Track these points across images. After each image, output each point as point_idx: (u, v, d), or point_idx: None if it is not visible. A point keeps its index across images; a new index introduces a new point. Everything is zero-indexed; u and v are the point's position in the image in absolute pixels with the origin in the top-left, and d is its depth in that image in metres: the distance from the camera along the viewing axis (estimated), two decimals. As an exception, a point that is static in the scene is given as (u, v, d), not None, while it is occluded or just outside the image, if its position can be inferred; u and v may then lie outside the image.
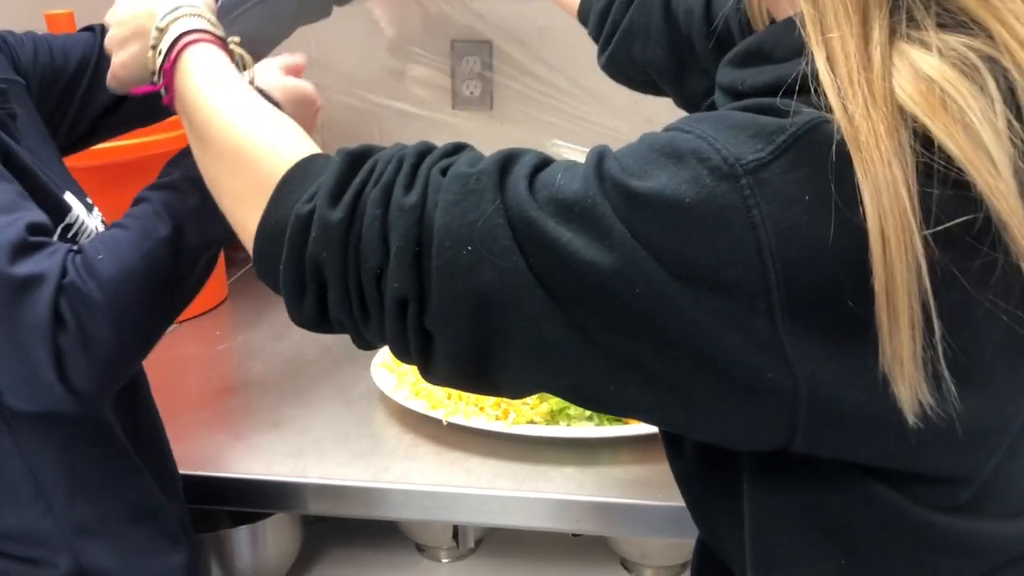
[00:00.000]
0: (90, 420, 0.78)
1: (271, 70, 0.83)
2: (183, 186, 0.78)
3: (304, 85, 0.84)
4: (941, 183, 0.45)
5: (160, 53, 0.71)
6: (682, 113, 0.83)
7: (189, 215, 0.76)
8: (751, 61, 0.55)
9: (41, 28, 1.23)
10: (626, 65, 0.96)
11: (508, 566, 1.32)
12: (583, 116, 1.65)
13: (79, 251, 0.70)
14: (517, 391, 0.58)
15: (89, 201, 0.87)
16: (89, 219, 0.84)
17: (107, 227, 0.76)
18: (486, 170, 0.54)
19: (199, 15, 0.72)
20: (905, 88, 0.45)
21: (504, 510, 0.98)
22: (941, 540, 0.55)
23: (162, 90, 0.72)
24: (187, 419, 1.09)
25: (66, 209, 0.81)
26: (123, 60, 0.79)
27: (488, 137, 1.69)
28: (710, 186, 0.47)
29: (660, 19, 0.90)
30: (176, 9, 0.72)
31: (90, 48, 0.96)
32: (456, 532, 1.29)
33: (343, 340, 1.41)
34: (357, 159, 0.58)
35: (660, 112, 1.61)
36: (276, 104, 0.73)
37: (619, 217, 0.49)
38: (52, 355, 0.66)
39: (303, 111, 0.82)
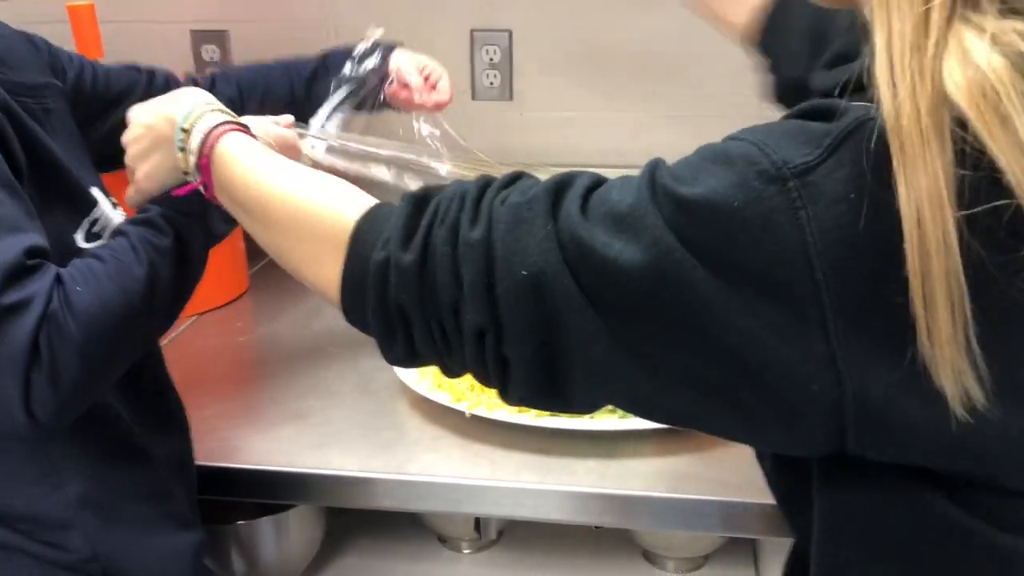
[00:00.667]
0: (94, 404, 0.79)
1: (263, 121, 0.86)
2: (160, 223, 0.79)
3: (290, 134, 0.89)
4: (973, 167, 0.45)
5: (191, 152, 0.75)
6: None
7: (164, 253, 0.78)
8: (838, 62, 0.55)
9: (64, 20, 1.24)
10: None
11: (530, 557, 1.32)
12: (603, 107, 1.65)
13: (60, 280, 0.70)
14: (586, 407, 0.59)
15: (113, 200, 0.88)
16: (114, 214, 0.85)
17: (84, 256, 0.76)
18: (537, 196, 0.55)
19: (217, 109, 0.77)
20: (952, 73, 0.45)
21: (527, 503, 0.98)
22: (1007, 563, 0.54)
23: (201, 187, 0.76)
24: (210, 411, 1.10)
25: (92, 203, 0.83)
26: (147, 172, 0.82)
27: (507, 128, 1.68)
28: (757, 189, 0.48)
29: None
30: (194, 109, 0.76)
31: (133, 83, 1.02)
32: (478, 523, 1.29)
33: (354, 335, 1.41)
34: (421, 201, 0.60)
35: (680, 101, 1.61)
36: None
37: (669, 226, 0.49)
38: (22, 388, 0.67)
39: (290, 156, 0.85)
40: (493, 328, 0.55)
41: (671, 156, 1.75)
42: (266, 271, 1.57)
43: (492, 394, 1.04)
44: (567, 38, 1.62)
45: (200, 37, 1.70)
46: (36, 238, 0.70)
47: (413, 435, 1.05)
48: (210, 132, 0.74)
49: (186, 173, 0.78)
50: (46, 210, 0.75)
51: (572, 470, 0.99)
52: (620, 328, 0.51)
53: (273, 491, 1.03)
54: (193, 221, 0.82)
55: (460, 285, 0.55)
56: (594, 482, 0.97)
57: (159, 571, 0.85)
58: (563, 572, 1.30)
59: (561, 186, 0.55)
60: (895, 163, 0.45)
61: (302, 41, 1.67)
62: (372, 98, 1.18)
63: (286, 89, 1.15)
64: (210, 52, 1.70)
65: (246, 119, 0.81)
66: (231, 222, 0.82)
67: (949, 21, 0.45)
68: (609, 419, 1.02)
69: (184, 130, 0.76)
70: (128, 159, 0.83)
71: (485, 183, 0.59)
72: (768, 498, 0.93)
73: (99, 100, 0.97)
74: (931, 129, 0.44)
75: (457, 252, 0.56)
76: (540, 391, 0.57)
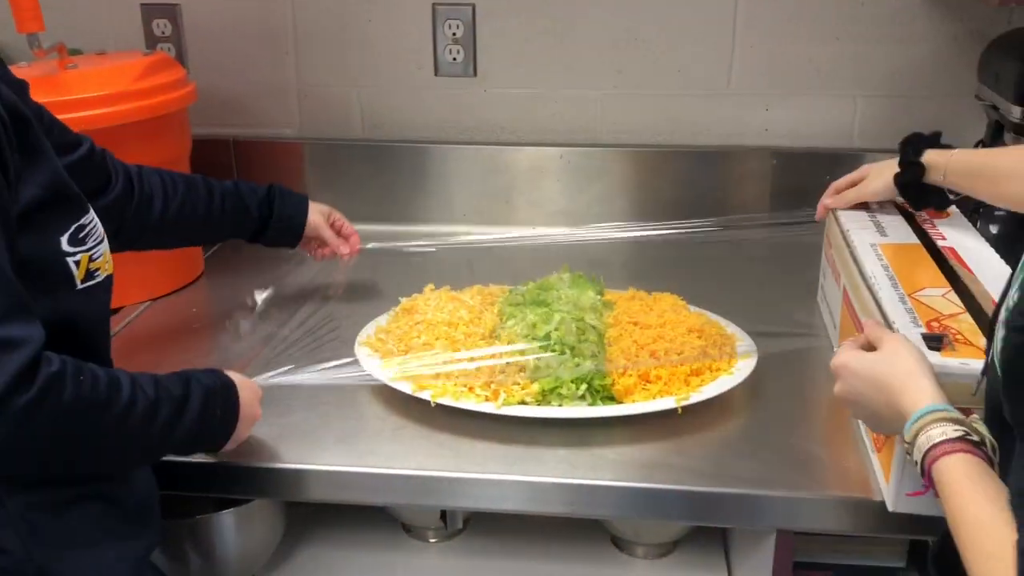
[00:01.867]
0: None
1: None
2: (179, 402, 0.84)
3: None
4: None
5: (914, 456, 0.74)
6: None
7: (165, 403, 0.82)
8: None
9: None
10: None
11: (497, 546, 1.30)
12: (569, 83, 1.61)
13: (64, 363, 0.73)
14: None
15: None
16: (99, 224, 0.86)
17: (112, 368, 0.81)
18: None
19: (947, 418, 0.73)
20: None
21: (495, 494, 0.95)
22: None
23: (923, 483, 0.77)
24: (164, 402, 1.05)
25: (87, 209, 0.84)
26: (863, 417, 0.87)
27: (470, 105, 1.64)
28: None
29: None
30: (922, 416, 0.74)
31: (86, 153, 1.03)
32: (444, 513, 1.26)
33: (323, 318, 1.37)
34: None
35: (648, 79, 1.58)
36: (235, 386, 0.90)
37: None
38: None
39: (250, 397, 0.93)
40: None
41: (639, 134, 1.72)
42: (220, 255, 1.52)
43: (458, 382, 1.02)
44: (532, 13, 1.58)
45: (150, 11, 1.64)
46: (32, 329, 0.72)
47: (375, 425, 1.02)
48: (929, 451, 0.72)
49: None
50: (37, 206, 0.76)
51: (542, 459, 0.96)
52: None
53: (232, 485, 0.99)
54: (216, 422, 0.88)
55: None
56: (564, 472, 0.95)
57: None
58: (531, 560, 1.28)
59: None
60: None
61: (256, 16, 1.62)
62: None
63: (204, 207, 1.20)
64: (161, 27, 1.64)
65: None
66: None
67: None
68: (579, 407, 0.99)
69: (907, 441, 0.75)
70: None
71: None
72: (738, 487, 0.92)
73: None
74: None
75: None
76: None
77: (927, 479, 0.73)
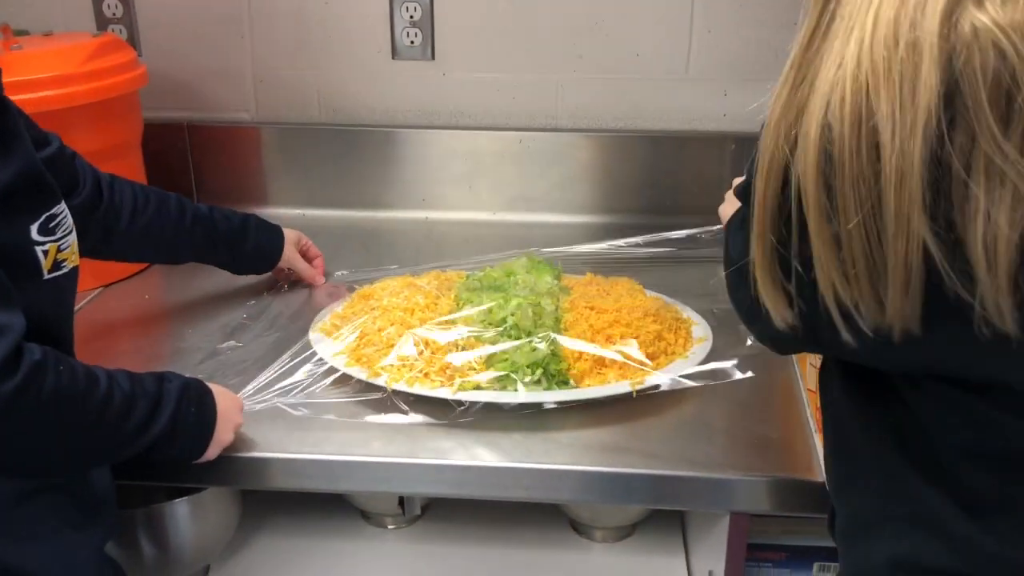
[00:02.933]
0: None
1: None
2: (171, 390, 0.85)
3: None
4: None
5: None
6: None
7: (153, 429, 0.82)
8: None
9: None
10: None
11: (456, 531, 1.30)
12: (528, 67, 1.60)
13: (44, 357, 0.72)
14: None
15: None
16: (69, 215, 0.84)
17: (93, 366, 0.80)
18: None
19: None
20: None
21: (451, 479, 0.95)
22: None
23: None
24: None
25: (59, 199, 0.82)
26: None
27: (428, 89, 1.63)
28: None
29: None
30: None
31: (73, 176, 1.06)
32: (402, 499, 1.26)
33: (280, 305, 1.35)
34: None
35: (608, 63, 1.57)
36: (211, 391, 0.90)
37: None
38: None
39: (229, 404, 0.93)
40: None
41: (599, 119, 1.72)
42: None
43: (413, 368, 1.02)
44: (491, -5, 1.57)
45: (100, -10, 1.60)
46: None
47: (330, 412, 1.01)
48: None
49: None
50: (10, 192, 0.75)
51: (498, 444, 0.96)
52: None
53: (184, 474, 0.97)
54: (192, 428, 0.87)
55: None
56: (520, 456, 0.94)
57: (55, 568, 0.80)
58: (490, 544, 1.28)
59: None
60: None
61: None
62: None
63: (173, 227, 1.19)
64: (112, 8, 1.60)
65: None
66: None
67: None
68: (535, 392, 0.99)
69: None
70: None
71: None
72: (693, 469, 0.93)
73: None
74: None
75: None
76: None
77: None
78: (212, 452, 0.90)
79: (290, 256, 1.31)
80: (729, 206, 0.90)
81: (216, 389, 0.92)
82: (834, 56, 0.57)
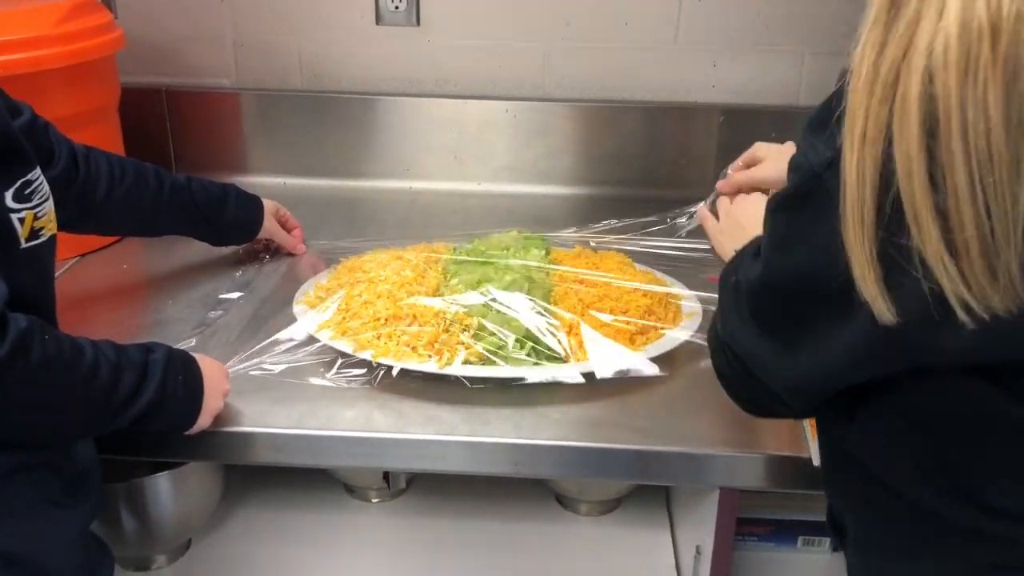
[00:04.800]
0: None
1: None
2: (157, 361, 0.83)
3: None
4: None
5: None
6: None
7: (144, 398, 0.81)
8: None
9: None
10: None
11: (441, 505, 1.29)
12: (515, 35, 1.57)
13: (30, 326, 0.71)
14: None
15: None
16: (45, 181, 0.82)
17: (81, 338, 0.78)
18: None
19: None
20: None
21: (438, 455, 0.93)
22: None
23: None
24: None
25: (34, 164, 0.80)
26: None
27: (413, 56, 1.59)
28: None
29: None
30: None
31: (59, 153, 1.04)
32: (387, 473, 1.25)
33: (260, 277, 1.33)
34: None
35: (596, 31, 1.55)
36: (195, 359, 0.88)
37: None
38: None
39: (215, 371, 0.91)
40: None
41: (587, 88, 1.69)
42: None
43: (400, 341, 1.00)
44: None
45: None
46: None
47: (315, 386, 0.99)
48: None
49: None
50: None
51: (485, 419, 0.95)
52: None
53: (164, 449, 0.96)
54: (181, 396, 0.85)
55: None
56: (509, 432, 0.93)
57: (40, 546, 0.79)
58: (475, 518, 1.28)
59: None
60: None
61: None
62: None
63: (151, 198, 1.16)
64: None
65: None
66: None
67: None
68: (523, 367, 0.98)
69: None
70: None
71: None
72: (681, 445, 0.92)
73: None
74: None
75: None
76: None
77: None
78: (204, 420, 0.89)
79: (270, 227, 1.29)
80: (730, 239, 0.87)
81: (200, 358, 0.90)
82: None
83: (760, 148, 1.10)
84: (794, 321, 0.64)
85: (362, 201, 1.58)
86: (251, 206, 1.27)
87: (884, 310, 0.55)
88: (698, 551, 1.06)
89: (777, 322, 0.67)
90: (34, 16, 1.21)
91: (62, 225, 0.94)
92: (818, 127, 0.61)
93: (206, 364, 0.90)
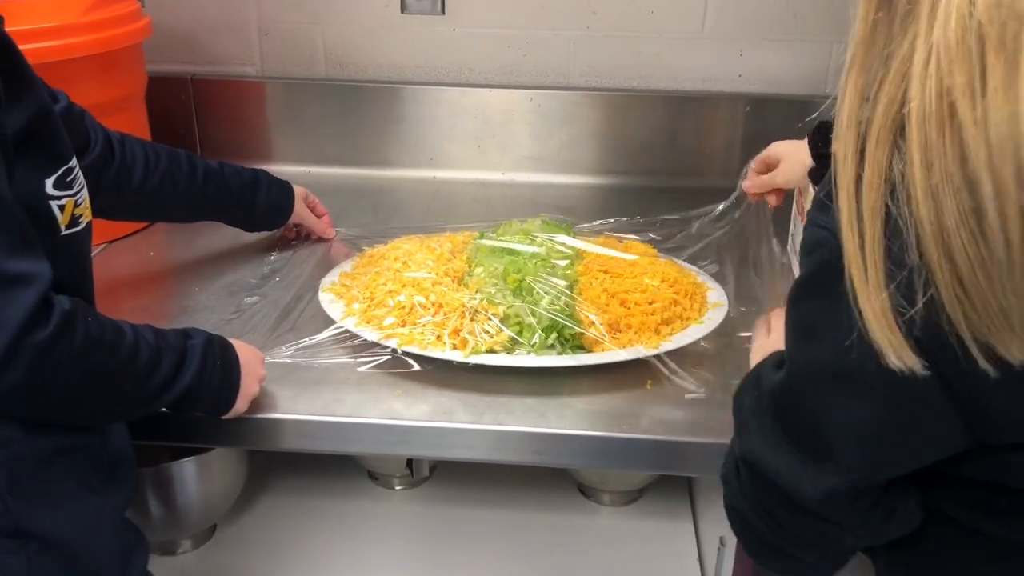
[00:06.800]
0: None
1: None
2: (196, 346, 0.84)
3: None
4: None
5: None
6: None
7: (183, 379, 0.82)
8: None
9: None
10: None
11: (464, 493, 1.30)
12: (540, 23, 1.57)
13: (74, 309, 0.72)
14: None
15: None
16: (80, 171, 0.82)
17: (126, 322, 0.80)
18: None
19: None
20: None
21: (463, 443, 0.94)
22: None
23: None
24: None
25: (69, 155, 0.80)
26: None
27: (438, 45, 1.59)
28: None
29: None
30: None
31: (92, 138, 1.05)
32: (410, 460, 1.26)
33: (291, 264, 1.33)
34: None
35: (621, 20, 1.54)
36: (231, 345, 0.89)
37: None
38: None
39: (251, 357, 0.91)
40: None
41: (611, 77, 1.68)
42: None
43: (426, 330, 1.00)
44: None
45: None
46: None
47: (341, 374, 1.00)
48: None
49: None
50: (25, 150, 0.73)
51: (510, 408, 0.95)
52: None
53: (192, 435, 0.96)
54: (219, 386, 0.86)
55: None
56: (533, 421, 0.93)
57: (75, 531, 0.79)
58: (497, 507, 1.28)
59: None
60: None
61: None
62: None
63: (185, 183, 1.16)
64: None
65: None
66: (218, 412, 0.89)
67: None
68: (548, 355, 0.98)
69: None
70: None
71: None
72: (703, 436, 0.92)
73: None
74: None
75: None
76: None
77: None
78: (241, 405, 0.90)
79: (301, 212, 1.29)
80: (757, 351, 0.83)
81: (238, 343, 0.91)
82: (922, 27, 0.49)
83: (775, 148, 1.11)
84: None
85: (386, 190, 1.58)
86: (282, 191, 1.27)
87: (902, 361, 0.52)
88: (722, 542, 1.06)
89: (803, 423, 0.63)
90: (63, 4, 1.22)
91: (97, 212, 0.95)
92: (822, 205, 0.59)
93: (243, 350, 0.91)
